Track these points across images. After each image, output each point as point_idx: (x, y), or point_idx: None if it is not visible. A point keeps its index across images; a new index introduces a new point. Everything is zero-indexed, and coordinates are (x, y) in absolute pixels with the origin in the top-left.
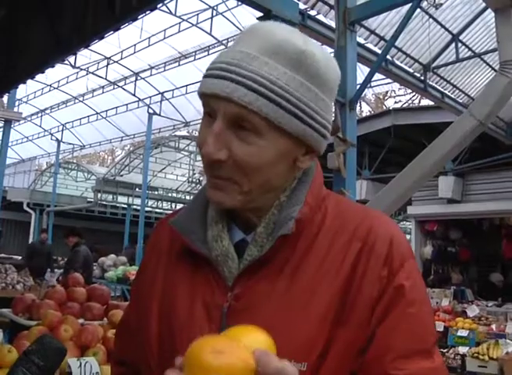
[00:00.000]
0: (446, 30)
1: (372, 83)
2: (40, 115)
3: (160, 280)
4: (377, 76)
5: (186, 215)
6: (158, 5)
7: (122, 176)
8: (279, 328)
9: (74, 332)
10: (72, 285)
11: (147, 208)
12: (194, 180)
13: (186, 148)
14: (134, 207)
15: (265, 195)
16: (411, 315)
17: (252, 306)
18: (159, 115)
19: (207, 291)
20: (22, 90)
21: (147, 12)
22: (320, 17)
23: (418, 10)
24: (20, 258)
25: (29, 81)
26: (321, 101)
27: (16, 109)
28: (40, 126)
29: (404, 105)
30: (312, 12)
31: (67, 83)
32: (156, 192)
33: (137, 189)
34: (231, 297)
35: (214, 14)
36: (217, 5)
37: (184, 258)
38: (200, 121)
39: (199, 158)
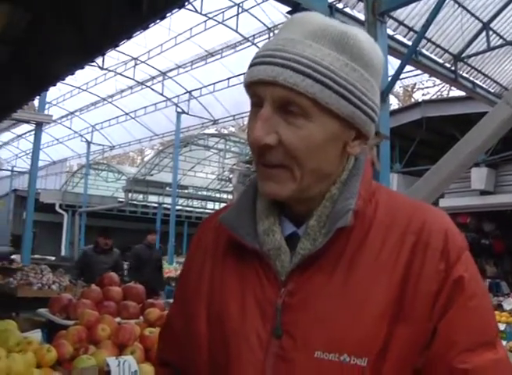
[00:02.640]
0: (477, 18)
1: (401, 76)
2: (70, 117)
3: (206, 280)
4: (406, 68)
5: (234, 210)
6: (185, 4)
7: (152, 175)
8: (337, 323)
9: (112, 331)
10: (107, 284)
11: (177, 207)
12: (224, 177)
13: (215, 146)
14: (165, 206)
15: (318, 184)
16: (472, 308)
17: (308, 302)
18: (187, 113)
19: (257, 286)
20: (52, 93)
21: (174, 11)
22: (347, 10)
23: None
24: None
25: (59, 84)
26: (366, 82)
27: (46, 112)
28: (70, 128)
29: (433, 97)
30: (340, 5)
31: (96, 84)
32: (186, 191)
33: (167, 188)
34: (284, 293)
35: (240, 11)
36: (242, 2)
37: (231, 255)
38: (228, 119)
39: (228, 155)
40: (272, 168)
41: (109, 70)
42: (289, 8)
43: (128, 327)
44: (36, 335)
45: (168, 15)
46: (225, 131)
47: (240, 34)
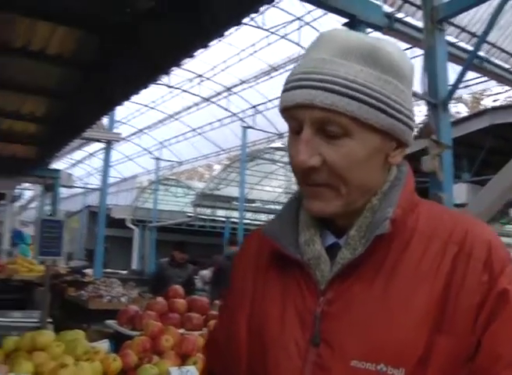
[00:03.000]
0: None
1: (469, 82)
2: (139, 134)
3: (249, 290)
4: (473, 74)
5: (277, 222)
6: (246, 20)
7: (219, 190)
8: (375, 332)
9: (175, 342)
10: (172, 297)
11: (245, 221)
12: (291, 191)
13: (282, 160)
14: (232, 220)
15: (362, 198)
16: None
17: (346, 311)
18: (253, 128)
19: (298, 296)
20: (121, 111)
21: (236, 28)
22: (408, 19)
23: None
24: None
25: (127, 103)
26: (401, 92)
27: (116, 130)
28: (139, 146)
29: (503, 103)
30: (400, 15)
31: (163, 102)
32: (253, 204)
33: (235, 202)
34: (323, 301)
35: (301, 25)
36: (303, 16)
37: (274, 265)
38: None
39: None
40: (317, 187)
41: (176, 88)
42: (346, 20)
43: (191, 338)
44: (104, 345)
45: (228, 33)
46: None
47: (303, 48)
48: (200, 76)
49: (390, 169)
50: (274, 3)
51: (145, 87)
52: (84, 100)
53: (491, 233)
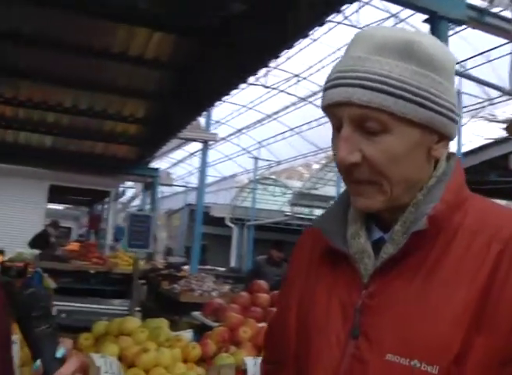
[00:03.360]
0: None
1: None
2: (237, 134)
3: (301, 282)
4: None
5: (328, 215)
6: (340, 19)
7: (317, 189)
8: (411, 327)
9: (252, 333)
10: (256, 291)
11: None
12: None
13: None
14: None
15: (407, 193)
16: None
17: (385, 305)
18: None
19: (343, 288)
20: (220, 112)
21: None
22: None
23: None
24: None
25: (226, 103)
26: (439, 85)
27: (215, 130)
28: (238, 145)
29: None
30: (491, 9)
31: (261, 102)
32: None
33: (332, 201)
34: (365, 294)
35: (396, 22)
36: (398, 13)
37: (326, 258)
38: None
39: None
40: (361, 184)
41: (273, 88)
42: (426, 16)
43: None
44: (187, 334)
45: (322, 32)
46: None
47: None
48: (296, 76)
49: (438, 164)
50: (368, 1)
51: (235, 87)
52: (180, 101)
53: None
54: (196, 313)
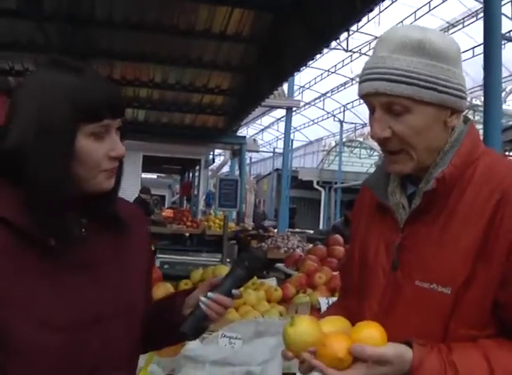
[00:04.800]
0: None
1: None
2: (322, 98)
3: (362, 228)
4: None
5: (375, 175)
6: None
7: None
8: (432, 260)
9: (327, 279)
10: (332, 245)
11: None
12: None
13: None
14: None
15: (430, 157)
16: None
17: (415, 244)
18: None
19: (387, 232)
20: (304, 77)
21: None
22: None
23: None
24: None
25: (309, 69)
26: (447, 71)
27: (299, 96)
28: (323, 109)
29: None
30: None
31: (343, 66)
32: None
33: None
34: (401, 237)
35: None
36: None
37: (377, 209)
38: (475, 89)
39: (479, 127)
40: (393, 154)
41: (354, 52)
42: None
43: None
44: (271, 281)
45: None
46: (477, 102)
47: (478, 1)
48: (377, 38)
49: (454, 131)
50: None
51: (313, 56)
52: (262, 72)
53: None
54: (279, 265)
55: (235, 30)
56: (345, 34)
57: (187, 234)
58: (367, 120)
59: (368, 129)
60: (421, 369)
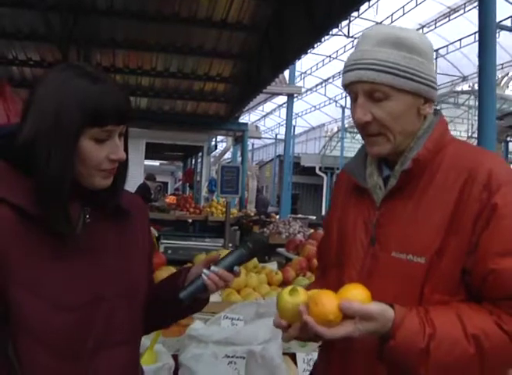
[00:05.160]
0: None
1: None
2: (324, 84)
3: (339, 207)
4: None
5: (353, 159)
6: None
7: None
8: (408, 234)
9: None
10: None
11: None
12: (475, 135)
13: (466, 103)
14: None
15: (405, 141)
16: (505, 225)
17: (391, 220)
18: (435, 73)
19: (365, 211)
20: (305, 63)
21: None
22: None
23: None
24: None
25: (310, 55)
26: (422, 64)
27: (301, 82)
28: (325, 95)
29: None
30: None
31: (344, 52)
32: None
33: None
34: (378, 214)
35: None
36: None
37: (354, 191)
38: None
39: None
40: (373, 136)
41: (355, 38)
42: None
43: None
44: (272, 265)
45: None
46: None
47: None
48: (379, 23)
49: (426, 120)
50: None
51: (313, 44)
52: (263, 60)
53: (497, 162)
54: (281, 249)
55: (236, 17)
56: (346, 21)
57: (190, 220)
58: None
59: None
60: (403, 327)
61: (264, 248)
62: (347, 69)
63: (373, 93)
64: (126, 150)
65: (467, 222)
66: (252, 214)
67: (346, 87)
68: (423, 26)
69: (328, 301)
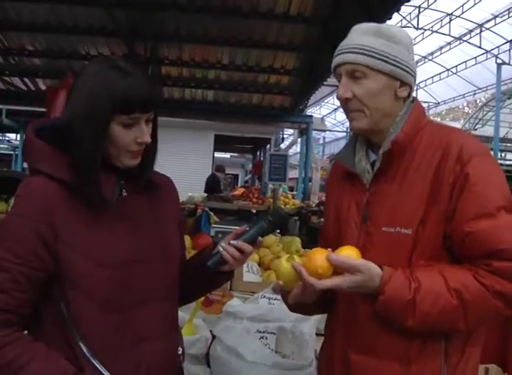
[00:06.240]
0: None
1: None
2: None
3: (334, 193)
4: None
5: (344, 148)
6: None
7: (476, 130)
8: (394, 210)
9: None
10: None
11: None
12: None
13: None
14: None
15: (382, 120)
16: (476, 191)
17: (379, 199)
18: (509, 64)
19: (357, 193)
20: None
21: None
22: None
23: None
24: None
25: None
26: (397, 50)
27: None
28: None
29: None
30: None
31: (414, 44)
32: None
33: (492, 142)
34: (367, 195)
35: None
36: None
37: (346, 177)
38: None
39: None
40: (353, 112)
41: (425, 29)
42: None
43: None
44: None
45: None
46: None
47: None
48: (449, 15)
49: (404, 105)
50: None
51: None
52: (324, 52)
53: (467, 138)
54: None
55: (297, 10)
56: (416, 12)
57: (254, 211)
58: (440, 99)
59: (442, 107)
60: (390, 283)
61: (284, 221)
62: (335, 55)
63: (353, 72)
64: (154, 135)
65: (444, 192)
66: (314, 205)
67: (334, 70)
68: (495, 16)
69: (319, 257)
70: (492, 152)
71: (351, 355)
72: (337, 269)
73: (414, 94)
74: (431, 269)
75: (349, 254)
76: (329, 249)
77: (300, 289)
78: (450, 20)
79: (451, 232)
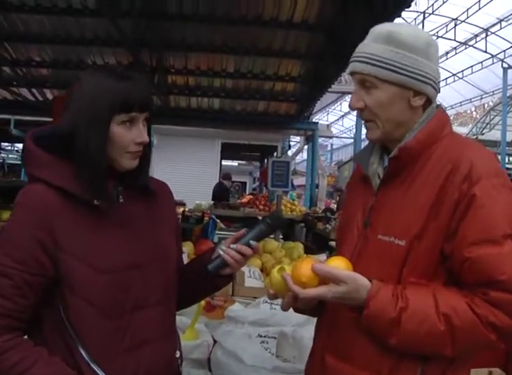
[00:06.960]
0: None
1: None
2: None
3: (350, 194)
4: None
5: (363, 149)
6: None
7: (483, 134)
8: (393, 217)
9: None
10: None
11: (511, 166)
12: None
13: None
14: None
15: (396, 130)
16: (482, 215)
17: (383, 205)
18: None
19: (365, 196)
20: None
21: None
22: None
23: None
24: None
25: None
26: (410, 58)
27: None
28: None
29: None
30: None
31: None
32: None
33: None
34: (373, 199)
35: None
36: None
37: (361, 179)
38: None
39: None
40: (367, 122)
41: (431, 34)
42: None
43: None
44: (321, 256)
45: None
46: None
47: None
48: (454, 19)
49: (424, 113)
50: None
51: None
52: (328, 59)
53: (480, 156)
54: (332, 242)
55: (301, 17)
56: (421, 17)
57: (260, 218)
58: (447, 104)
59: (449, 112)
60: (376, 298)
61: (282, 223)
62: (350, 61)
63: (364, 82)
64: (148, 134)
65: (447, 208)
66: (320, 211)
67: (351, 76)
68: (501, 20)
69: (305, 266)
70: (499, 157)
71: (327, 358)
72: (324, 280)
73: (446, 98)
74: (424, 289)
75: (337, 264)
76: (314, 258)
77: (290, 298)
78: (455, 25)
79: (451, 253)
